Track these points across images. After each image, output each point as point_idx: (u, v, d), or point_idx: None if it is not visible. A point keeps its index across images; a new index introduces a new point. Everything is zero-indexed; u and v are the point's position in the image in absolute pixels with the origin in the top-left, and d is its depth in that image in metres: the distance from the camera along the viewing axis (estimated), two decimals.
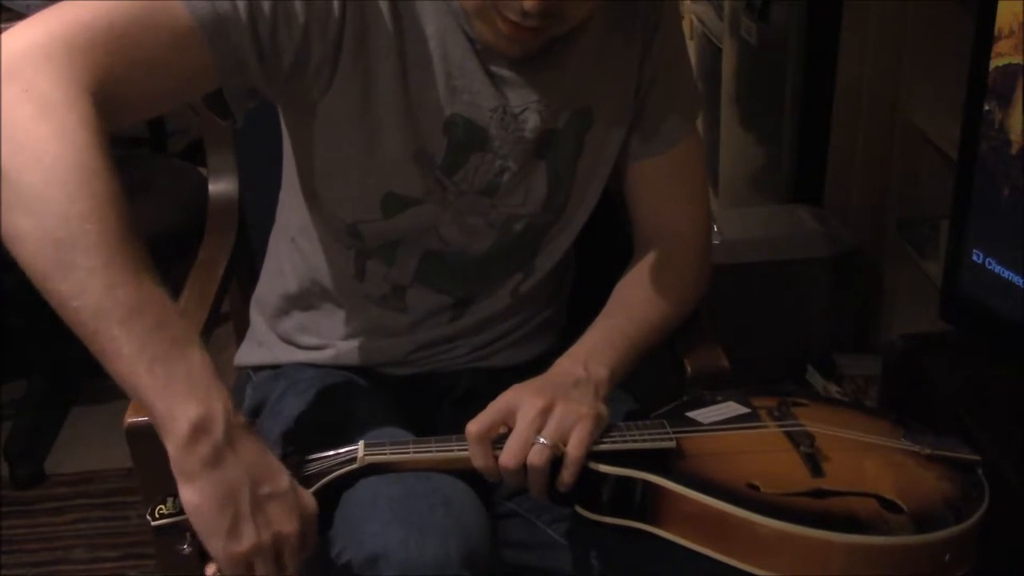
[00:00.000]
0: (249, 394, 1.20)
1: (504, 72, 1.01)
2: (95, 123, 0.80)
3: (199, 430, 0.79)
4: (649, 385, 1.13)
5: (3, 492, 2.05)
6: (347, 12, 0.94)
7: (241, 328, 1.33)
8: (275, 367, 1.19)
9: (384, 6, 0.95)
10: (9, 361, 2.30)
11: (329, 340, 1.15)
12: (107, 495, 2.03)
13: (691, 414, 1.02)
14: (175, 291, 1.27)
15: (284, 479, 0.84)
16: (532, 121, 1.03)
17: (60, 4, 0.84)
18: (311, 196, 1.09)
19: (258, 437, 0.85)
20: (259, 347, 1.21)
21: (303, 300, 1.16)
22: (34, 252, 0.77)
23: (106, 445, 2.08)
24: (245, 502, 0.81)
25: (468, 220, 1.07)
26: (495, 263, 1.12)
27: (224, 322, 1.40)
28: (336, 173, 1.04)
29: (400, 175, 1.02)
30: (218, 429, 0.80)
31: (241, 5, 0.88)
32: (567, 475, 0.93)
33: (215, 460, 0.80)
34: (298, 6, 0.91)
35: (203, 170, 1.46)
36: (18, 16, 2.35)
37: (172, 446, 0.80)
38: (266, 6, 0.90)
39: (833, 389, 2.10)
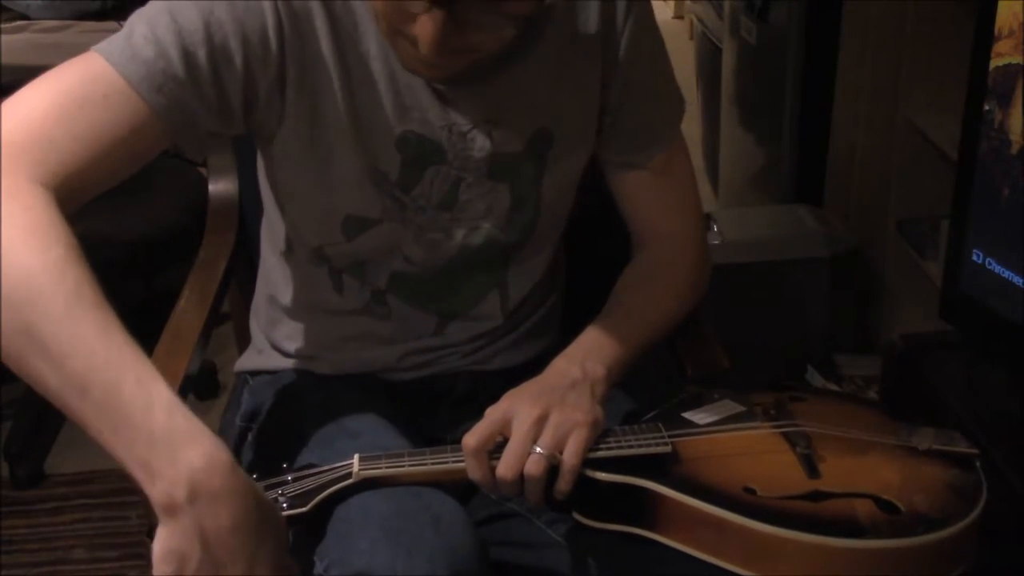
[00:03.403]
0: (246, 398, 1.20)
1: (449, 91, 1.00)
2: (42, 209, 0.80)
3: (165, 499, 0.77)
4: (648, 385, 1.12)
5: (3, 492, 2.05)
6: (285, 43, 0.93)
7: (241, 328, 1.33)
8: (272, 373, 1.19)
9: (323, 30, 0.95)
10: None
11: (320, 351, 1.15)
12: (107, 495, 2.03)
13: (687, 414, 1.02)
14: (175, 291, 1.27)
15: (238, 569, 0.79)
16: (480, 142, 1.02)
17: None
18: (284, 215, 1.10)
19: (237, 499, 0.79)
20: (258, 355, 1.21)
21: (292, 310, 1.16)
22: (4, 340, 0.78)
23: None
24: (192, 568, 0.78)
25: (429, 236, 1.06)
26: (463, 280, 1.11)
27: (224, 322, 1.40)
28: (297, 199, 1.05)
29: (356, 196, 1.02)
30: (181, 497, 0.77)
31: (176, 58, 0.88)
32: (563, 484, 0.93)
33: (181, 524, 0.77)
34: (233, 46, 0.91)
35: (203, 170, 1.46)
36: (18, 16, 2.35)
37: (153, 504, 0.79)
38: (201, 54, 0.89)
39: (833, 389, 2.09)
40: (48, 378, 0.77)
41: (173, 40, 0.88)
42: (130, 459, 0.77)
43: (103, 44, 0.89)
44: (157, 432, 0.77)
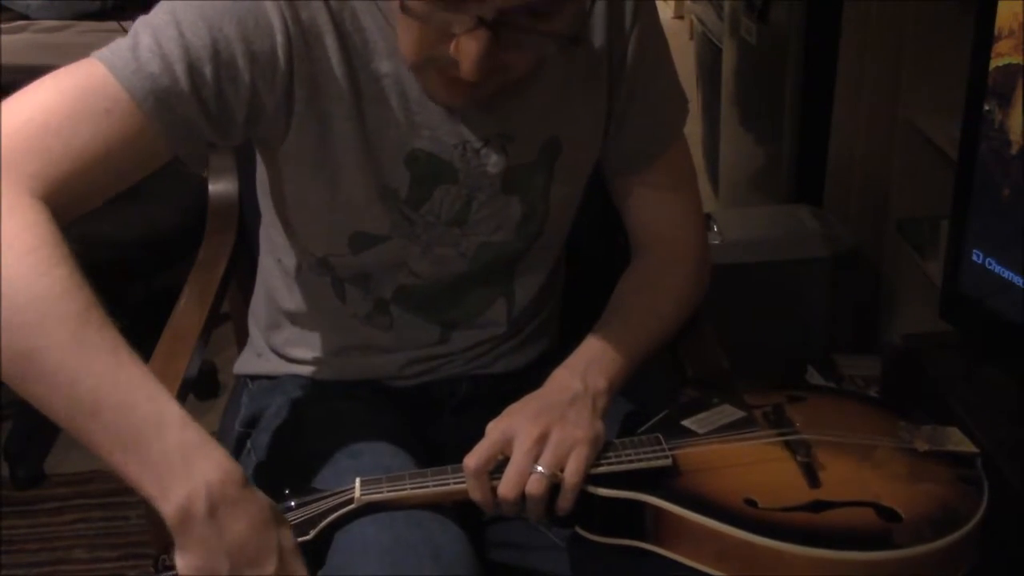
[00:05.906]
0: (245, 403, 1.19)
1: (461, 107, 0.99)
2: (43, 226, 0.79)
3: (182, 513, 0.78)
4: (648, 386, 1.12)
5: (3, 492, 2.05)
6: (294, 61, 0.92)
7: (241, 329, 1.33)
8: (272, 378, 1.18)
9: (333, 48, 0.93)
10: None
11: (321, 356, 1.15)
12: (107, 495, 2.03)
13: (686, 422, 1.01)
14: (175, 291, 1.27)
15: (270, 563, 0.81)
16: (494, 158, 1.01)
17: None
18: (286, 225, 1.09)
19: (251, 503, 0.81)
20: (257, 358, 1.21)
21: (293, 316, 1.15)
22: (5, 363, 0.78)
23: None
24: None
25: (437, 251, 1.05)
26: (470, 291, 1.11)
27: (224, 322, 1.40)
28: (303, 211, 1.04)
29: (366, 214, 1.01)
30: (200, 509, 0.78)
31: (181, 74, 0.86)
32: (564, 502, 0.93)
33: (200, 538, 0.79)
34: (241, 64, 0.89)
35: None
36: (18, 16, 2.35)
37: (167, 522, 0.79)
38: (208, 71, 0.87)
39: None
40: (54, 400, 0.78)
41: (180, 55, 0.86)
42: (143, 477, 0.78)
43: (106, 52, 0.87)
44: (171, 448, 0.78)
